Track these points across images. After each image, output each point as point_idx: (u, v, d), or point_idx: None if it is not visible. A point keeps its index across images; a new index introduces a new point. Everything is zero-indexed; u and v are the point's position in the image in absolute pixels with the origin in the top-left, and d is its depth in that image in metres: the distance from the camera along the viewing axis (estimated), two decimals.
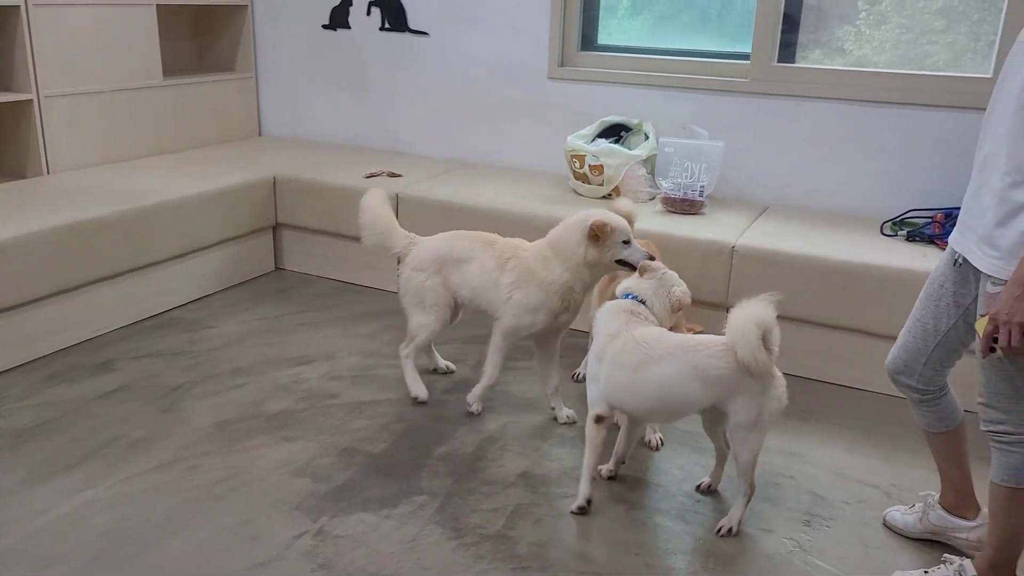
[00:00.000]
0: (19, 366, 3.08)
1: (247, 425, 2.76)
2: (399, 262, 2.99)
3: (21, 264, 3.01)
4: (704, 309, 3.31)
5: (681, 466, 2.59)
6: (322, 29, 4.66)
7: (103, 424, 2.72)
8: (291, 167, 4.18)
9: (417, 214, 3.80)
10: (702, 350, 2.17)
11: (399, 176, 4.04)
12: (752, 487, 2.26)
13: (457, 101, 4.41)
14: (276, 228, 4.20)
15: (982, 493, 2.06)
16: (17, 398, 2.86)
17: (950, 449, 2.13)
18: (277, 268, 4.26)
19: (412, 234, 2.97)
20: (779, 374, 2.19)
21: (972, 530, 2.17)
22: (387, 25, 4.48)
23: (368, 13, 4.51)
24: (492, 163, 4.40)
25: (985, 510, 2.13)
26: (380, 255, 3.94)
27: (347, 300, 3.92)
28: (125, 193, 3.55)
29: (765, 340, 2.07)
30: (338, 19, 4.61)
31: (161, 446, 2.61)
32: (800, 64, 3.72)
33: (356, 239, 4.00)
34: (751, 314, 2.07)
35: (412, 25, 4.41)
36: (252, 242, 4.08)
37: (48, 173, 3.81)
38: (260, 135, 5.00)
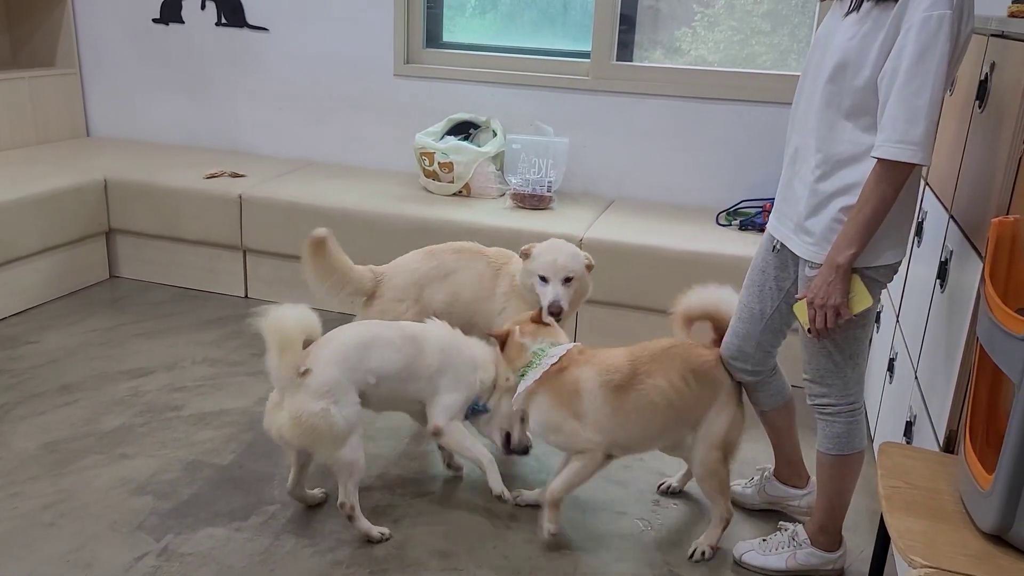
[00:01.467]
0: None
1: (79, 444, 2.57)
2: (364, 300, 2.63)
3: None
4: None
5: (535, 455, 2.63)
6: (152, 23, 4.40)
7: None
8: (123, 169, 3.92)
9: (263, 216, 3.67)
10: None
11: (242, 176, 3.89)
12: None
13: (301, 99, 4.29)
14: (109, 233, 3.94)
15: (811, 464, 2.22)
16: None
17: (781, 424, 2.27)
18: (112, 276, 3.99)
19: (372, 266, 2.67)
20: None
21: (803, 497, 2.33)
22: (224, 20, 4.29)
23: (203, 7, 4.31)
24: (340, 162, 4.31)
25: (814, 479, 2.30)
26: (223, 259, 3.81)
27: (188, 307, 3.72)
28: None
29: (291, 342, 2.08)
30: (170, 13, 4.37)
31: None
32: (637, 63, 3.87)
33: (195, 243, 3.85)
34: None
35: (251, 20, 4.25)
36: (82, 249, 3.80)
37: None
38: (88, 135, 4.66)
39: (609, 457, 2.14)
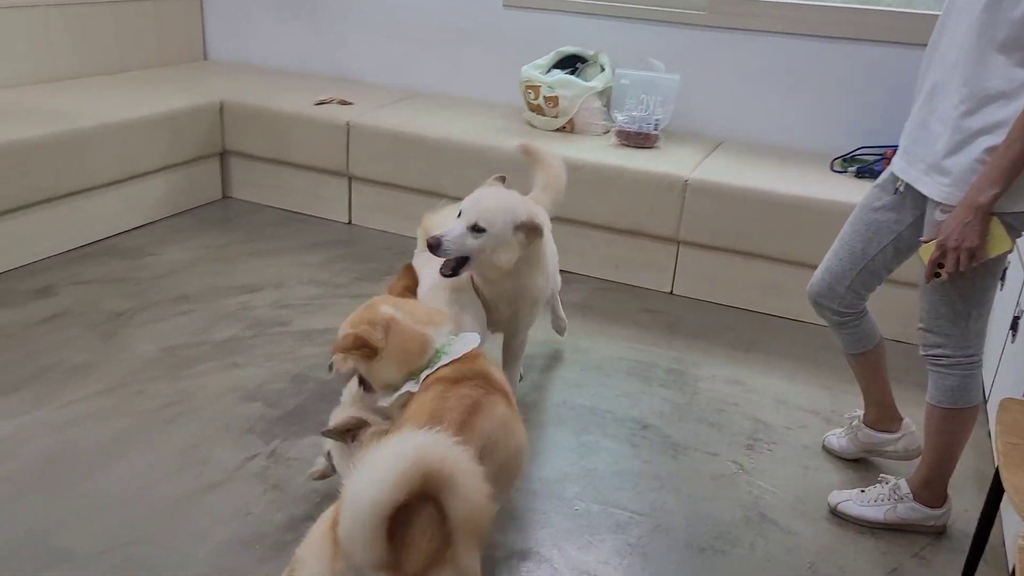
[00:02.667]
0: None
1: (194, 351, 2.72)
2: None
3: None
4: (654, 243, 3.35)
5: (628, 393, 2.63)
6: None
7: (43, 349, 2.65)
8: (239, 92, 4.04)
9: (368, 143, 3.73)
10: None
11: (350, 104, 3.94)
12: None
13: (409, 29, 4.29)
14: (223, 155, 4.08)
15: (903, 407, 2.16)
16: None
17: (870, 367, 2.20)
18: (224, 196, 4.15)
19: None
20: None
21: (898, 441, 2.26)
22: None
23: None
24: (444, 93, 4.31)
25: (907, 420, 2.23)
26: (329, 185, 3.91)
27: (295, 229, 3.84)
28: (59, 114, 3.39)
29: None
30: None
31: (104, 371, 2.55)
32: None
33: (303, 167, 3.95)
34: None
35: None
36: (198, 169, 3.96)
37: None
38: (205, 59, 4.81)
39: None
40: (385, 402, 1.77)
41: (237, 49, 4.74)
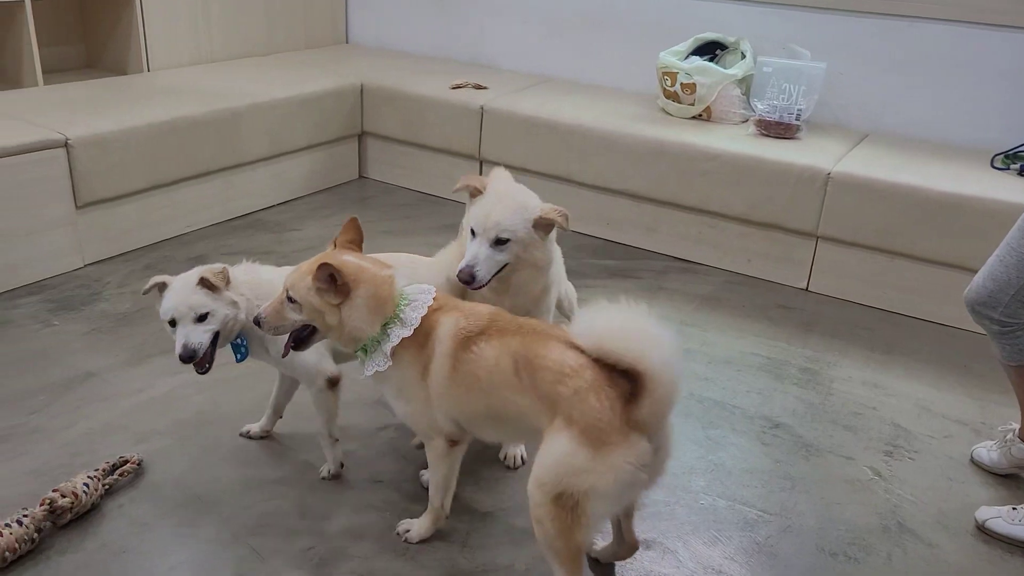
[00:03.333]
0: (117, 256, 3.20)
1: None
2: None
3: (122, 157, 3.10)
4: (790, 237, 3.24)
5: (759, 390, 2.56)
6: None
7: None
8: (378, 75, 4.16)
9: (501, 128, 3.77)
10: None
11: (484, 88, 3.99)
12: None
13: (545, 15, 4.30)
14: (361, 136, 4.22)
15: None
16: (117, 285, 2.98)
17: None
18: (360, 176, 4.30)
19: None
20: None
21: None
22: None
23: None
24: (578, 79, 4.30)
25: None
26: (461, 168, 3.97)
27: (427, 211, 3.94)
28: (217, 93, 3.60)
29: None
30: None
31: None
32: None
33: (436, 150, 4.03)
34: None
35: None
36: (338, 149, 4.11)
37: (148, 71, 3.89)
38: (347, 42, 4.98)
39: (455, 445, 1.74)
40: (374, 367, 1.67)
41: (377, 33, 4.89)
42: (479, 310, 1.69)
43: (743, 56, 3.67)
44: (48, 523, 1.80)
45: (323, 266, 1.61)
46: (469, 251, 1.86)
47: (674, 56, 3.66)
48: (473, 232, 1.87)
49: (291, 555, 1.82)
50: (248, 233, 3.52)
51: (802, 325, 2.99)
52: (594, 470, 1.44)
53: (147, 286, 1.92)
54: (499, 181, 2.00)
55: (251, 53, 4.39)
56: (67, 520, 1.83)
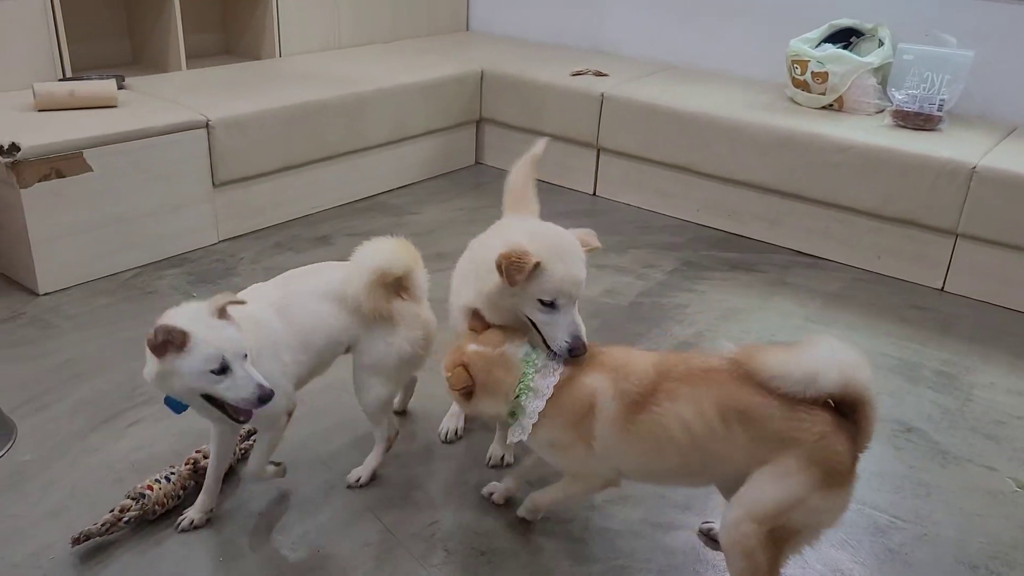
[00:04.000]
0: (249, 233, 3.35)
1: (445, 308, 2.87)
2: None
3: (257, 138, 3.24)
4: (926, 233, 3.08)
5: (891, 392, 2.45)
6: None
7: None
8: (497, 62, 4.19)
9: (621, 115, 3.73)
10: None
11: (605, 75, 3.96)
12: (387, 437, 2.00)
13: (669, 1, 4.23)
14: (479, 122, 4.26)
15: None
16: (250, 260, 3.12)
17: None
18: (477, 162, 4.34)
19: None
20: (423, 316, 1.95)
21: None
22: None
23: None
24: (702, 67, 4.21)
25: None
26: (577, 156, 3.96)
27: (544, 197, 3.82)
28: (345, 79, 3.70)
29: (389, 285, 1.85)
30: None
31: None
32: None
33: (554, 137, 4.03)
34: (369, 258, 1.82)
35: None
36: (456, 135, 4.17)
37: (280, 56, 4.04)
38: (467, 29, 5.04)
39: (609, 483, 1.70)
40: (515, 437, 1.65)
41: (497, 20, 4.92)
42: (633, 364, 1.59)
43: (880, 43, 3.50)
44: (192, 482, 1.90)
45: (451, 377, 1.63)
46: (564, 323, 1.62)
47: (805, 43, 3.53)
48: (548, 304, 1.62)
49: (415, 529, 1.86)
50: (370, 215, 3.61)
51: (938, 327, 2.84)
52: (828, 509, 1.49)
53: (156, 339, 1.53)
54: (532, 233, 1.69)
55: (376, 40, 4.50)
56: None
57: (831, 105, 3.47)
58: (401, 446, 2.12)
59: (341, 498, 1.94)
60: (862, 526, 1.92)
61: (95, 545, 1.74)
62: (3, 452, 2.00)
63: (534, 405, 1.60)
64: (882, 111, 3.37)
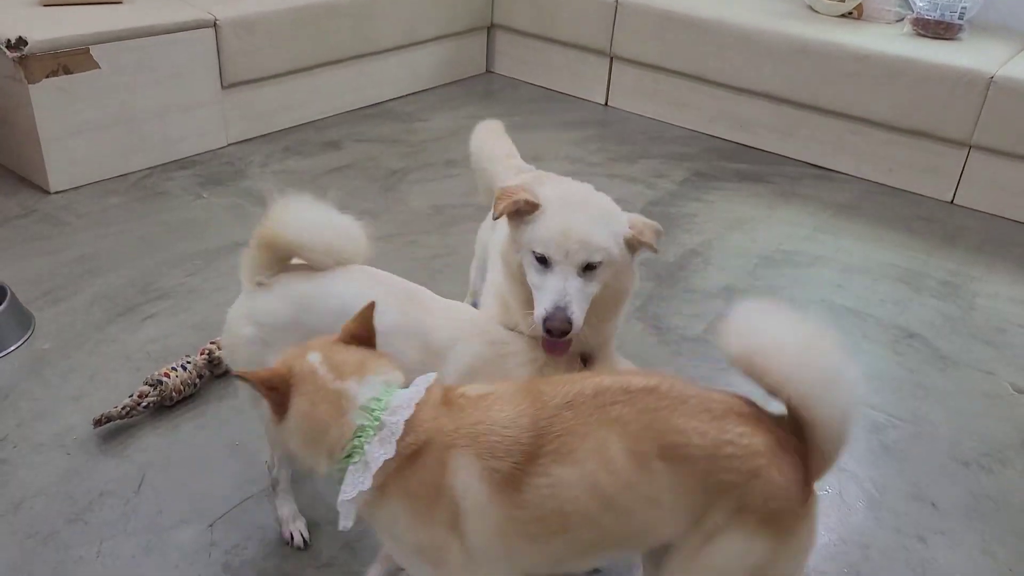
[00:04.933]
0: (258, 137, 3.33)
1: (460, 211, 2.89)
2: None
3: (265, 39, 3.19)
4: (939, 145, 3.05)
5: (895, 301, 2.47)
6: None
7: (334, 195, 2.91)
8: None
9: (635, 23, 3.65)
10: None
11: None
12: None
13: None
14: (490, 29, 4.18)
15: None
16: (260, 164, 3.12)
17: None
18: (487, 71, 4.28)
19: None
20: None
21: None
22: None
23: None
24: None
25: None
26: (589, 64, 3.90)
27: (554, 107, 3.90)
28: None
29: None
30: None
31: (385, 219, 2.79)
32: None
33: (566, 45, 3.96)
34: None
35: None
36: (466, 41, 4.09)
37: None
38: None
39: None
40: (342, 522, 1.12)
41: None
42: (496, 425, 1.11)
43: None
44: (207, 371, 1.95)
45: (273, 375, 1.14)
46: (552, 287, 1.32)
47: None
48: (544, 260, 1.34)
49: None
50: (380, 121, 3.58)
51: (946, 238, 2.84)
52: (781, 560, 1.11)
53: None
54: (557, 184, 1.50)
55: None
56: (223, 371, 1.98)
57: (850, 13, 3.39)
58: None
59: None
60: (859, 424, 1.97)
61: (115, 427, 1.80)
62: (23, 341, 2.05)
63: (356, 479, 1.10)
64: (901, 19, 3.29)
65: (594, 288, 1.34)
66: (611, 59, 3.84)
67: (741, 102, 3.48)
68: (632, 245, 1.37)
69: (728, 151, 3.48)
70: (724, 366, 2.09)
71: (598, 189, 1.44)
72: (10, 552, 1.50)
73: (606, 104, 3.93)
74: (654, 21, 3.59)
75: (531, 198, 1.35)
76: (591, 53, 3.87)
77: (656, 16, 3.58)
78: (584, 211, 1.35)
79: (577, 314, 1.31)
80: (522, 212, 1.36)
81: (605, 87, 3.92)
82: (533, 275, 1.35)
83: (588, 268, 1.33)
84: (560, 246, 1.31)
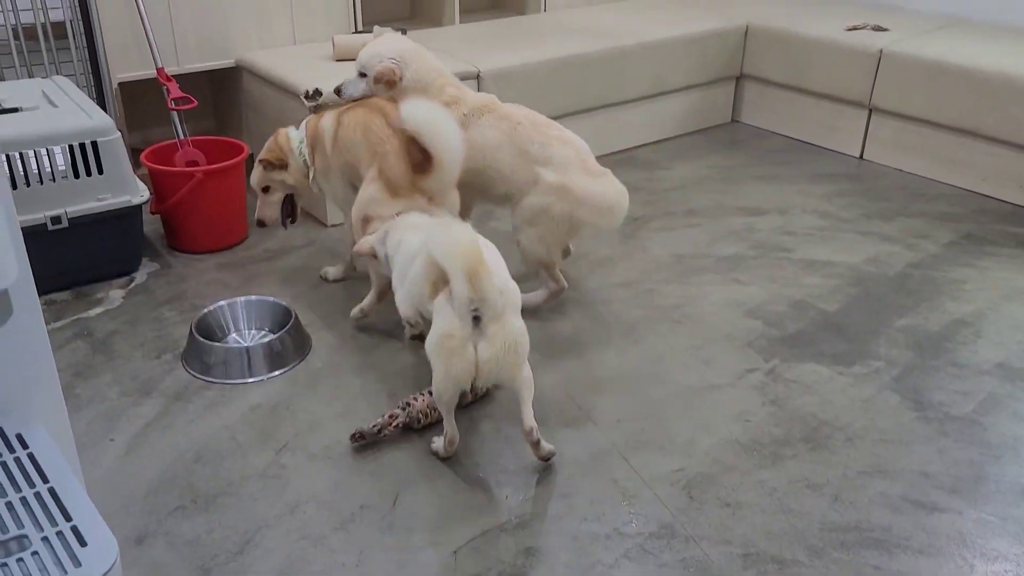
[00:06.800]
0: None
1: (700, 262, 2.86)
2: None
3: (520, 90, 3.37)
4: None
5: None
6: None
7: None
8: (765, 15, 4.02)
9: (901, 73, 3.45)
10: None
11: (885, 30, 3.67)
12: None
13: None
14: (739, 79, 4.13)
15: None
16: None
17: None
18: (733, 120, 4.23)
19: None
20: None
21: None
22: None
23: None
24: (1001, 21, 3.78)
25: None
26: (844, 116, 3.73)
27: (803, 159, 3.76)
28: (607, 32, 3.74)
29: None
30: None
31: (624, 267, 2.83)
32: None
33: (820, 96, 3.82)
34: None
35: None
36: (714, 91, 4.07)
37: (544, 10, 4.16)
38: None
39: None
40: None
41: None
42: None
43: None
44: None
45: None
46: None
47: None
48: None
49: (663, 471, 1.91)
50: (623, 168, 3.61)
51: None
52: (385, 204, 2.20)
53: None
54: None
55: None
56: (468, 400, 2.09)
57: None
58: (659, 391, 2.17)
59: (585, 438, 2.03)
60: None
61: (369, 443, 1.96)
62: (302, 359, 2.30)
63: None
64: None
65: (359, 89, 2.48)
66: (870, 110, 3.64)
67: (1022, 160, 3.16)
68: (386, 82, 2.42)
69: (1005, 213, 3.17)
70: (996, 452, 1.91)
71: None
72: (285, 551, 1.68)
73: (861, 157, 3.74)
74: (923, 71, 3.37)
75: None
76: (847, 104, 3.71)
77: (926, 66, 3.36)
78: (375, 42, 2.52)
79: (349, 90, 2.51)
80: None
81: (861, 139, 3.72)
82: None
83: (361, 75, 2.47)
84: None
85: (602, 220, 2.40)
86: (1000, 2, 3.77)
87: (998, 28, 3.68)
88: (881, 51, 3.50)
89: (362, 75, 2.46)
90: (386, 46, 2.46)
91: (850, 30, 3.70)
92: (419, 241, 1.96)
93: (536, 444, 1.86)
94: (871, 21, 3.75)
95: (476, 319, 1.73)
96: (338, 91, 2.52)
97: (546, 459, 1.90)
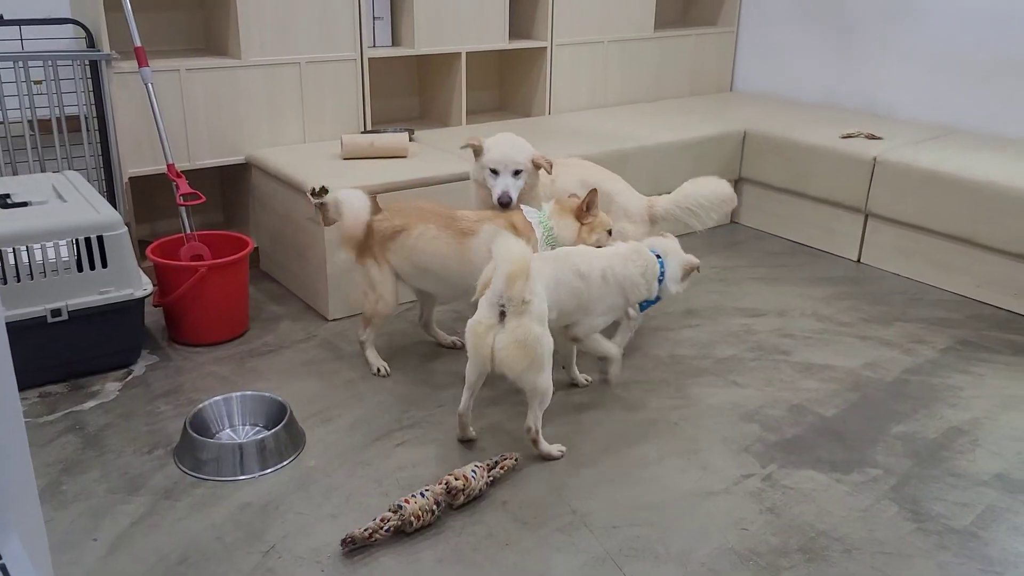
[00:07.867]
0: None
1: (698, 363, 2.86)
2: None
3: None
4: None
5: None
6: None
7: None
8: (762, 122, 4.15)
9: (894, 181, 3.53)
10: None
11: (879, 139, 3.78)
12: None
13: (955, 61, 3.96)
14: (738, 182, 4.23)
15: None
16: None
17: None
18: (732, 221, 4.30)
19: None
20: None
21: None
22: None
23: None
24: (991, 131, 3.89)
25: None
26: (842, 220, 3.79)
27: (801, 261, 3.81)
28: (609, 135, 3.85)
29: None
30: None
31: (622, 366, 2.82)
32: None
33: (817, 200, 3.90)
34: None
35: None
36: None
37: (549, 113, 4.30)
38: (731, 90, 5.03)
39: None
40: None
41: (763, 81, 4.87)
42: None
43: None
44: (445, 502, 2.05)
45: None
46: (499, 184, 2.65)
47: None
48: (493, 171, 2.67)
49: None
50: None
51: None
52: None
53: None
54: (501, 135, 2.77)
55: (641, 99, 4.63)
56: (460, 502, 2.07)
57: None
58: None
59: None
60: None
61: (363, 548, 1.93)
62: (295, 457, 2.28)
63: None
64: None
65: (519, 184, 2.67)
66: (866, 216, 3.71)
67: (1018, 269, 3.20)
68: (536, 163, 2.68)
69: (1000, 320, 3.19)
70: (998, 568, 1.87)
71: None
72: None
73: (859, 261, 3.78)
74: (917, 180, 3.45)
75: (478, 142, 2.70)
76: (844, 209, 3.78)
77: (920, 175, 3.44)
78: (510, 143, 2.69)
79: (512, 194, 2.64)
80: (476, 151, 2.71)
81: (858, 243, 3.78)
82: (489, 180, 2.68)
83: (515, 173, 2.66)
84: (500, 162, 2.65)
85: None
86: (990, 114, 3.88)
87: (989, 138, 3.78)
88: (875, 159, 3.60)
89: (516, 173, 2.66)
90: (515, 140, 2.71)
91: (844, 138, 3.80)
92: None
93: (534, 443, 2.25)
94: (865, 130, 3.86)
95: (503, 314, 2.09)
96: (505, 204, 2.64)
97: (545, 459, 2.28)
